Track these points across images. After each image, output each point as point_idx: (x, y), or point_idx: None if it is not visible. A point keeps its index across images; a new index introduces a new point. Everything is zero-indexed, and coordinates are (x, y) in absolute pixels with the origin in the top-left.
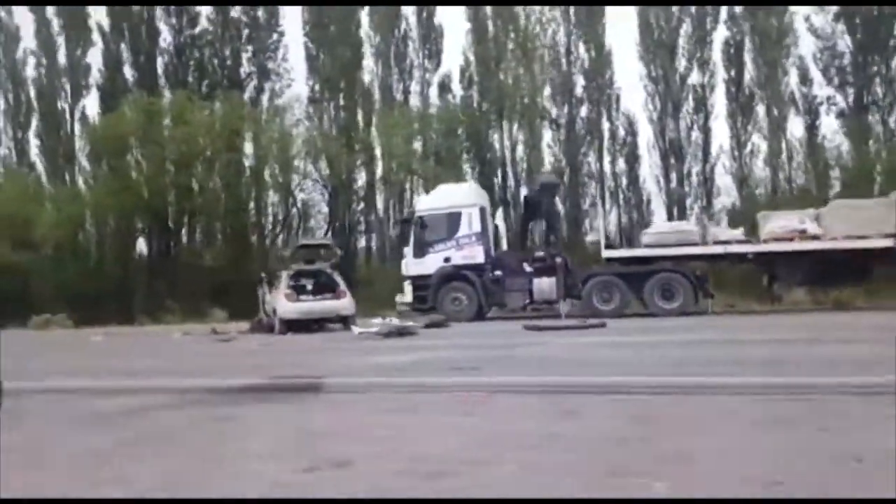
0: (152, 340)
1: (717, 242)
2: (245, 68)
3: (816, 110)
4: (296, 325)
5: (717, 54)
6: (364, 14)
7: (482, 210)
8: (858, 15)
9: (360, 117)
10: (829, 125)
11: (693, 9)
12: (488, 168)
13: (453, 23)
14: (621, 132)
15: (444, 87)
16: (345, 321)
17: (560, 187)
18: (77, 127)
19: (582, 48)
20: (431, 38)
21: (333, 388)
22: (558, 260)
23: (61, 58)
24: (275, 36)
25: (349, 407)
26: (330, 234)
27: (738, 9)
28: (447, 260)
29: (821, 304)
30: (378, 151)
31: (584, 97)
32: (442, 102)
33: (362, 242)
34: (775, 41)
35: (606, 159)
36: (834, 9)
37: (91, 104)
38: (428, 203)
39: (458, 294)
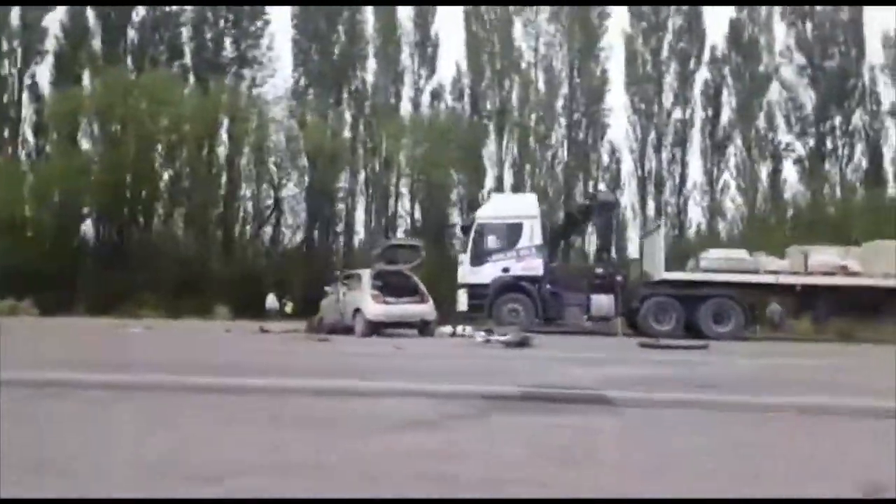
0: (228, 337)
1: (767, 272)
2: (228, 53)
3: (780, 155)
4: (377, 328)
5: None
6: (365, 13)
7: (543, 222)
8: (821, 71)
9: (348, 116)
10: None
11: (678, 45)
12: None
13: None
14: (605, 159)
15: (436, 96)
16: (426, 326)
17: (618, 205)
18: (25, 96)
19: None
20: (426, 45)
21: (621, 402)
22: (618, 278)
23: (15, 18)
24: (259, 23)
25: (681, 424)
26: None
27: (720, 51)
28: (506, 270)
29: (822, 333)
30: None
31: (582, 121)
32: (433, 110)
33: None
34: (751, 88)
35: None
36: (800, 61)
37: (43, 72)
38: (489, 211)
39: (516, 305)
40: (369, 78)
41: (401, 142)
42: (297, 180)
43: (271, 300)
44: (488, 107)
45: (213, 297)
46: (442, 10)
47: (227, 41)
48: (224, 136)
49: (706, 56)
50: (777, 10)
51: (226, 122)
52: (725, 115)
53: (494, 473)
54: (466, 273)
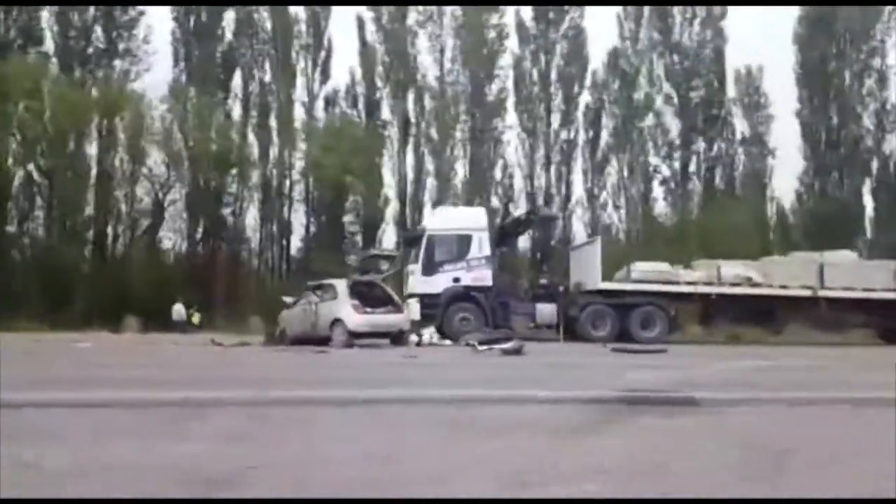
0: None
1: (686, 283)
2: (99, 43)
3: (651, 176)
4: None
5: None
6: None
7: (490, 235)
8: (683, 100)
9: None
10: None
11: (565, 69)
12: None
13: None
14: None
15: (330, 101)
16: (401, 336)
17: (557, 220)
18: None
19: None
20: (319, 49)
21: (707, 403)
22: (560, 288)
23: None
24: (133, 12)
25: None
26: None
27: (600, 77)
28: (456, 280)
29: (712, 336)
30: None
31: (480, 137)
32: (329, 115)
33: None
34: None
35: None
36: (668, 90)
37: None
38: (438, 223)
39: (466, 314)
40: (258, 79)
41: (295, 145)
42: (177, 183)
43: (178, 310)
44: (385, 116)
45: (94, 308)
46: (337, 12)
47: (98, 29)
48: (94, 132)
49: (588, 81)
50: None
51: (95, 117)
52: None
53: (705, 465)
54: (418, 283)
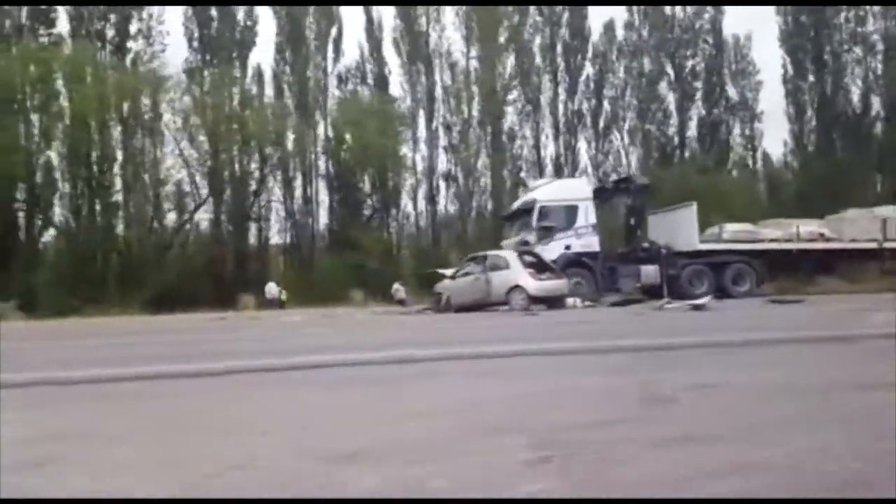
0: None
1: (770, 241)
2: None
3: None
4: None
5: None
6: None
7: (594, 204)
8: (678, 70)
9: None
10: None
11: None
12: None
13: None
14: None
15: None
16: (559, 300)
17: (649, 188)
18: None
19: None
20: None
21: None
22: (663, 251)
23: None
24: None
25: None
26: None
27: (600, 48)
28: (567, 247)
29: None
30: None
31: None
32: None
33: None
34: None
35: None
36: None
37: None
38: (548, 195)
39: (580, 279)
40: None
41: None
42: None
43: (271, 289)
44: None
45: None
46: None
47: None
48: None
49: (589, 52)
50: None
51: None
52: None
53: None
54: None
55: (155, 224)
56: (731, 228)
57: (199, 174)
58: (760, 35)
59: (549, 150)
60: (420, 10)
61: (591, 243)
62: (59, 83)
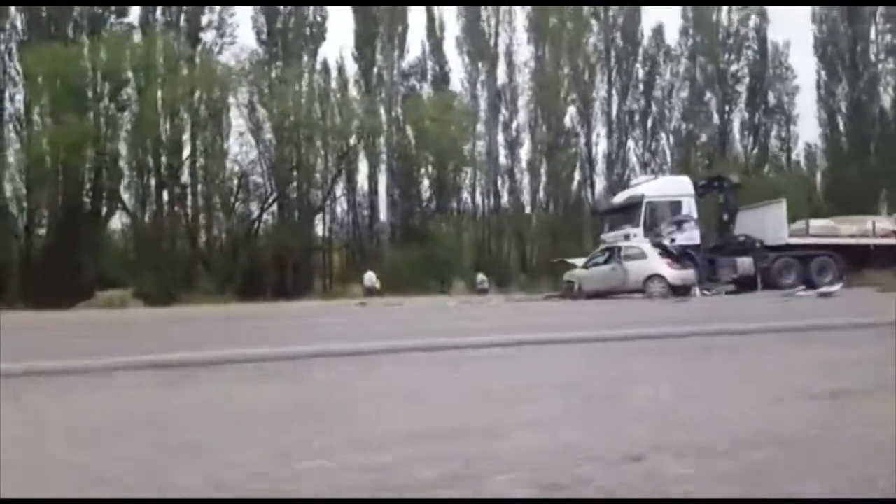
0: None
1: (850, 236)
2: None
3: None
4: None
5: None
6: None
7: (697, 200)
8: (721, 74)
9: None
10: None
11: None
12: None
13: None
14: None
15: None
16: (687, 289)
17: (740, 186)
18: None
19: None
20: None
21: None
22: (757, 244)
23: None
24: None
25: None
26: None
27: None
28: (672, 240)
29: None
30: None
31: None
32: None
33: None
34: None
35: None
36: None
37: None
38: (655, 191)
39: None
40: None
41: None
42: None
43: (371, 277)
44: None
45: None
46: None
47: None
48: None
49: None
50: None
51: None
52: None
53: None
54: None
55: (223, 216)
56: (816, 224)
57: (265, 166)
58: (796, 43)
59: (600, 148)
60: (488, 10)
61: (694, 236)
62: (129, 73)
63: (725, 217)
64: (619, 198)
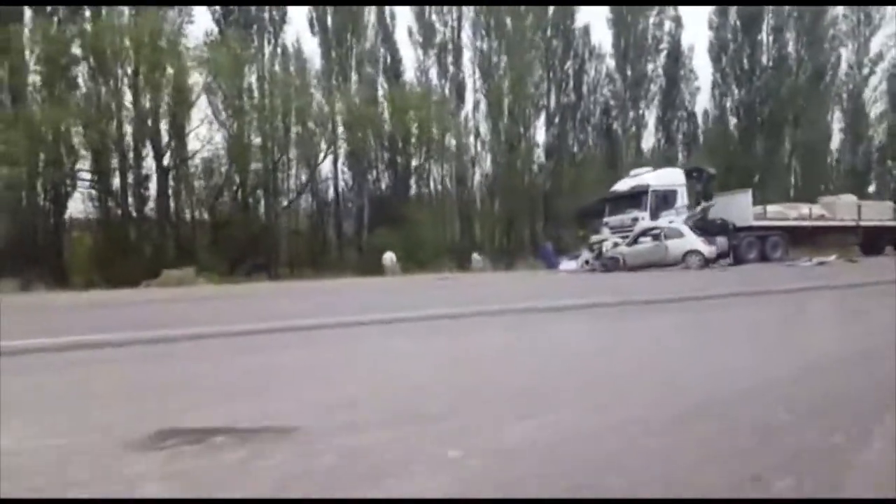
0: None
1: (797, 218)
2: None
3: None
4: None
5: None
6: None
7: (687, 189)
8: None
9: None
10: None
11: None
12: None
13: None
14: None
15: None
16: (707, 262)
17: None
18: None
19: None
20: None
21: None
22: (730, 226)
23: None
24: None
25: None
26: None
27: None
28: (671, 222)
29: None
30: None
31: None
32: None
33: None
34: None
35: None
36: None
37: None
38: (658, 181)
39: None
40: None
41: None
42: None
43: (391, 257)
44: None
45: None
46: None
47: None
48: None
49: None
50: None
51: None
52: None
53: None
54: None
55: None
56: (771, 209)
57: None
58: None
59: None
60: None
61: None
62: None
63: (701, 202)
64: (624, 186)
